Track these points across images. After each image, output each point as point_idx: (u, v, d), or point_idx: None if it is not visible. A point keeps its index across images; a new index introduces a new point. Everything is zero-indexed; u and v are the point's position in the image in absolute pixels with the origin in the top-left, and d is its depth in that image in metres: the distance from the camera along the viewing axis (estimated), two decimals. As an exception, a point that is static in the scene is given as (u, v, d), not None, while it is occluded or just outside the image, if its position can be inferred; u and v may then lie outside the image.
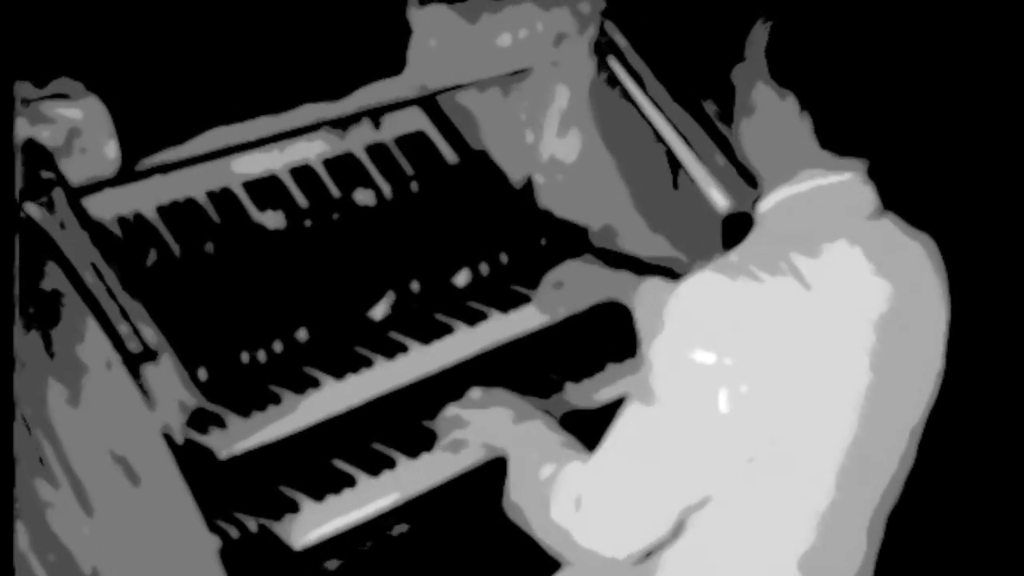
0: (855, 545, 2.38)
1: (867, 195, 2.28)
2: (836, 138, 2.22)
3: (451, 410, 2.65)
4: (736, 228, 2.91)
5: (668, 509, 2.25)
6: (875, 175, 2.30)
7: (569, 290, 2.97)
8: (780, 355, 2.16)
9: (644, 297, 2.83)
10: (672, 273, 2.94)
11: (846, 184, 2.26)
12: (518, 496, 2.42)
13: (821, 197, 2.26)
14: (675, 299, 2.20)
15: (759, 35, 2.23)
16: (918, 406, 2.36)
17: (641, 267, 3.02)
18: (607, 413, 2.79)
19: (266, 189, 2.94)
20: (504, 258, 3.05)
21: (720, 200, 3.00)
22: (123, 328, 2.32)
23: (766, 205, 2.30)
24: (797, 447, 2.21)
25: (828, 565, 2.34)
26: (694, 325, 2.17)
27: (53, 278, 2.29)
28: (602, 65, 3.15)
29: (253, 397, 2.61)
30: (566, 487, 2.32)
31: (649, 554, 2.32)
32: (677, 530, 2.30)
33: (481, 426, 2.60)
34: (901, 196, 2.39)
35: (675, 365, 2.19)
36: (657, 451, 2.21)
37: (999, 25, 3.54)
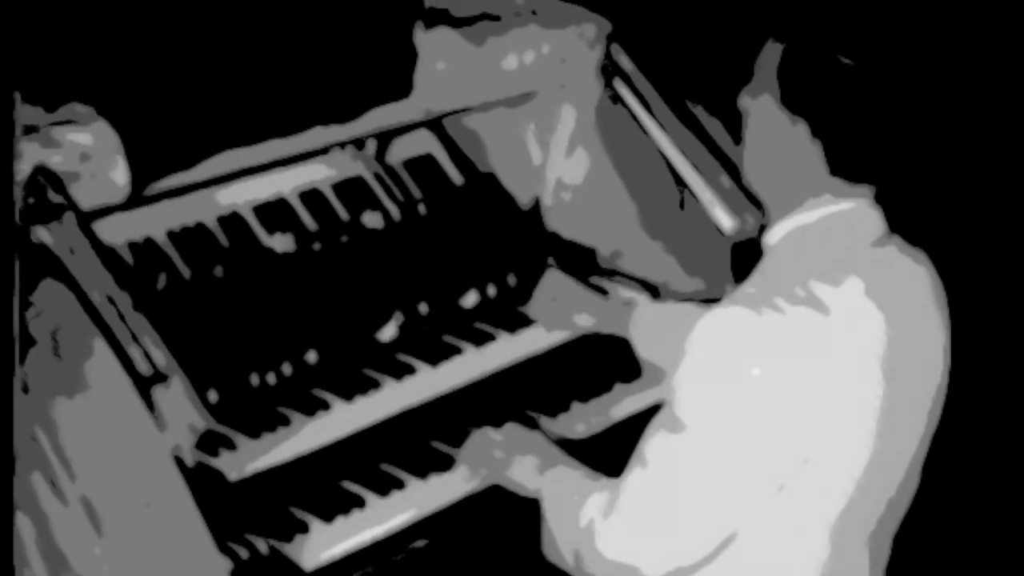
0: (859, 559, 2.39)
1: (875, 221, 2.29)
2: (846, 166, 2.23)
3: (486, 433, 2.66)
4: (744, 254, 2.92)
5: (698, 534, 2.25)
6: (884, 200, 2.31)
7: (572, 312, 2.98)
8: (804, 382, 2.17)
9: (641, 325, 2.85)
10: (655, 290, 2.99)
11: (855, 211, 2.27)
12: (551, 530, 2.42)
13: (831, 225, 2.26)
14: (700, 331, 2.21)
15: (769, 59, 2.24)
16: (921, 422, 2.37)
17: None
18: (616, 432, 2.82)
19: (275, 212, 2.96)
20: (512, 280, 3.06)
21: (726, 222, 3.01)
22: (134, 351, 2.33)
23: (777, 234, 2.31)
24: (823, 470, 2.23)
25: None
26: (720, 357, 2.18)
27: (64, 302, 2.30)
28: (608, 87, 3.16)
29: (263, 419, 2.62)
30: (594, 503, 2.33)
31: None
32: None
33: (509, 472, 2.59)
34: (910, 221, 2.40)
35: (703, 397, 2.20)
36: (683, 479, 2.22)
37: (1007, 53, 3.55)
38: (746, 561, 2.30)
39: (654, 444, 2.25)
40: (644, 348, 2.88)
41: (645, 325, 2.88)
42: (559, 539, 2.40)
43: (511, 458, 2.59)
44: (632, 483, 2.28)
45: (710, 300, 2.77)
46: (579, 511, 2.35)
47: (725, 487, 2.21)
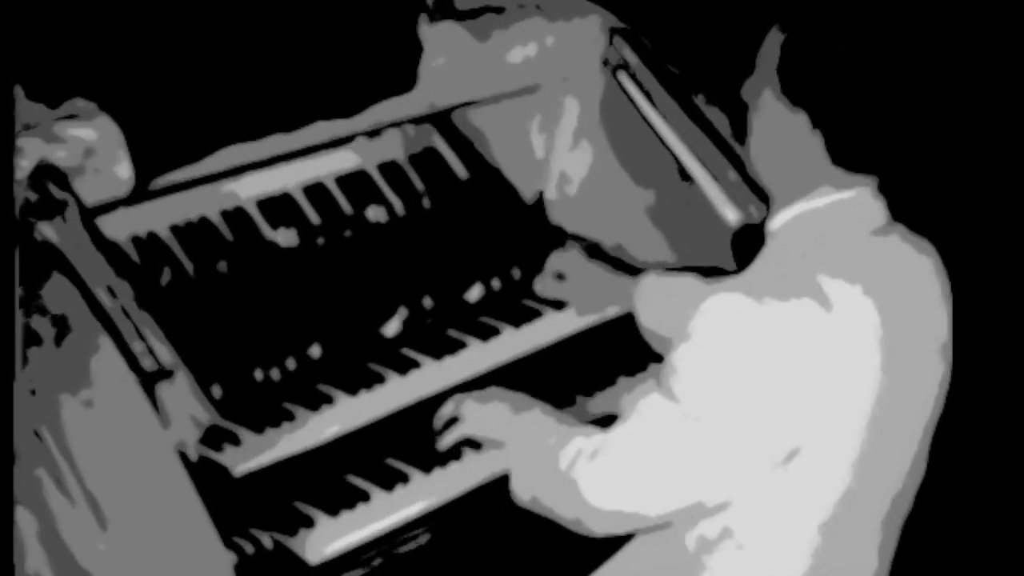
0: (864, 558, 2.39)
1: (877, 210, 2.30)
2: (848, 155, 2.23)
3: (448, 407, 2.67)
4: (746, 241, 2.92)
5: (680, 491, 2.27)
6: (885, 189, 2.31)
7: (577, 297, 2.98)
8: (801, 373, 2.18)
9: (645, 294, 2.87)
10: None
11: (857, 200, 2.28)
12: (523, 472, 2.44)
13: (833, 213, 2.27)
14: (702, 316, 2.22)
15: (771, 50, 2.24)
16: (924, 415, 2.37)
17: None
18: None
19: (278, 207, 2.96)
20: (516, 273, 3.06)
21: (731, 214, 3.01)
22: (137, 346, 2.33)
23: (779, 222, 2.32)
24: (817, 457, 2.23)
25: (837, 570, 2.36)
26: (719, 344, 2.19)
27: (67, 297, 2.30)
28: (612, 80, 3.16)
29: (267, 414, 2.62)
30: (577, 445, 2.35)
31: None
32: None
33: (479, 419, 2.61)
34: (912, 210, 2.40)
35: (701, 380, 2.21)
36: (678, 444, 2.23)
37: (1007, 45, 3.54)
38: (740, 545, 2.30)
39: (651, 402, 2.27)
40: (647, 317, 2.88)
41: (648, 295, 2.88)
42: (533, 481, 2.41)
43: (480, 405, 2.61)
44: (624, 432, 2.29)
45: (715, 271, 2.79)
46: (559, 452, 2.35)
47: (716, 467, 2.22)
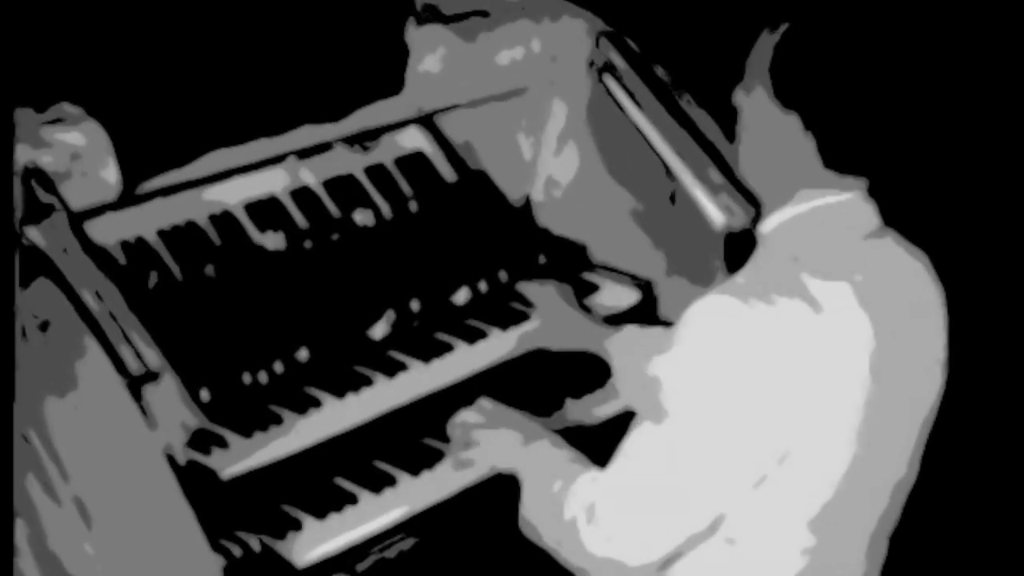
0: (853, 562, 2.40)
1: (869, 214, 2.30)
2: (839, 157, 2.24)
3: (461, 418, 2.66)
4: (737, 245, 2.93)
5: (679, 524, 2.26)
6: (877, 193, 2.31)
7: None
8: (790, 376, 2.18)
9: (619, 346, 2.84)
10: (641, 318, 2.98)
11: (849, 203, 2.27)
12: (531, 513, 2.43)
13: (825, 217, 2.27)
14: (688, 320, 2.22)
15: (762, 53, 2.25)
16: (917, 423, 2.37)
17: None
18: (608, 428, 2.82)
19: (266, 211, 2.96)
20: (503, 276, 3.07)
21: (717, 217, 3.01)
22: (125, 350, 2.34)
23: (769, 225, 2.31)
24: (804, 465, 2.23)
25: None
26: (707, 346, 2.19)
27: (55, 302, 2.30)
28: (599, 83, 3.16)
29: (254, 417, 2.63)
30: (579, 498, 2.33)
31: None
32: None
33: (489, 449, 2.61)
34: (903, 213, 2.40)
35: (687, 385, 2.21)
36: (668, 468, 2.22)
37: (1001, 46, 3.55)
38: (728, 554, 2.31)
39: (636, 438, 2.26)
40: (621, 377, 2.85)
41: (624, 353, 2.84)
42: (539, 525, 2.40)
43: (490, 433, 2.60)
44: (613, 480, 2.29)
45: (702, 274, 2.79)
46: (563, 502, 2.35)
47: (705, 476, 2.22)
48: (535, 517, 2.41)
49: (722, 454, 2.20)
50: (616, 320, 2.97)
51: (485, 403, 2.68)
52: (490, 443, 2.60)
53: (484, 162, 3.28)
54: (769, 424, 2.19)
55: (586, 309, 3.01)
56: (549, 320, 2.93)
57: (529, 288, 3.01)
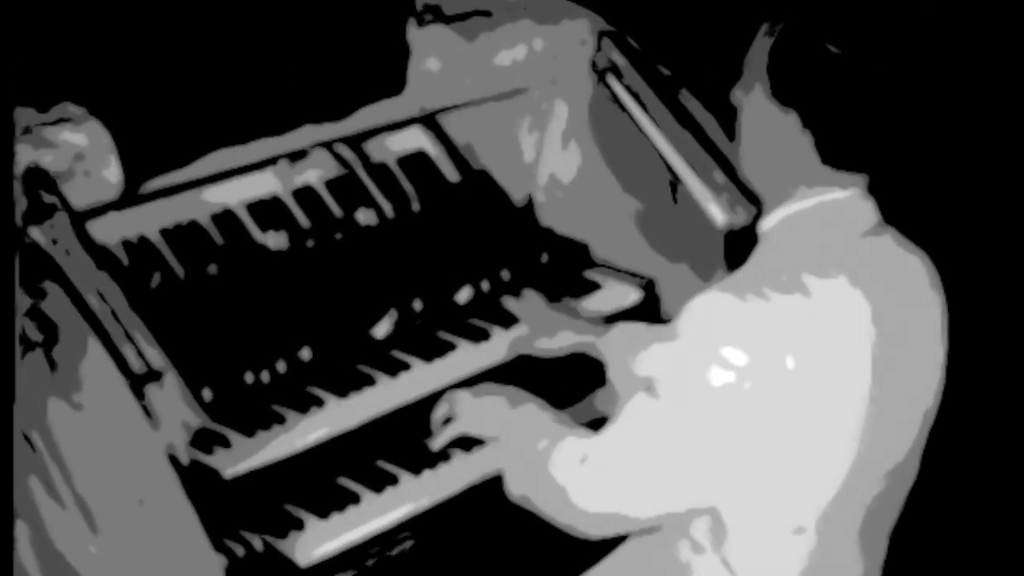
0: (850, 556, 2.40)
1: (868, 211, 2.30)
2: (838, 154, 2.24)
3: (442, 407, 2.67)
4: (738, 244, 2.93)
5: (669, 493, 2.27)
6: (876, 189, 2.31)
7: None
8: (788, 373, 2.18)
9: (613, 343, 2.83)
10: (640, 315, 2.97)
11: (848, 200, 2.28)
12: (516, 472, 2.44)
13: (824, 214, 2.27)
14: (686, 315, 2.23)
15: (760, 51, 2.25)
16: (916, 420, 2.37)
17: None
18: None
19: (268, 210, 2.96)
20: (506, 275, 3.07)
21: (719, 215, 3.01)
22: (127, 350, 2.34)
23: (769, 222, 2.32)
24: (804, 462, 2.23)
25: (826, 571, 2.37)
26: (704, 343, 2.20)
27: (57, 301, 2.31)
28: (600, 83, 3.16)
29: (257, 417, 2.63)
30: (567, 453, 2.35)
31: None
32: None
33: (473, 415, 2.62)
34: (902, 210, 2.40)
35: (684, 381, 2.22)
36: (663, 443, 2.23)
37: (998, 43, 3.55)
38: (727, 549, 2.31)
39: (633, 405, 2.27)
40: (614, 373, 2.82)
41: (617, 350, 2.82)
42: (524, 480, 2.41)
43: (475, 399, 2.61)
44: (611, 435, 2.30)
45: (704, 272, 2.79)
46: (550, 456, 2.36)
47: (699, 466, 2.23)
48: (520, 474, 2.42)
49: (713, 449, 2.21)
50: (619, 319, 2.97)
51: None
52: (473, 407, 2.61)
53: (486, 161, 3.28)
54: (765, 420, 2.18)
55: (573, 311, 3.00)
56: (538, 331, 2.92)
57: (511, 304, 2.99)
